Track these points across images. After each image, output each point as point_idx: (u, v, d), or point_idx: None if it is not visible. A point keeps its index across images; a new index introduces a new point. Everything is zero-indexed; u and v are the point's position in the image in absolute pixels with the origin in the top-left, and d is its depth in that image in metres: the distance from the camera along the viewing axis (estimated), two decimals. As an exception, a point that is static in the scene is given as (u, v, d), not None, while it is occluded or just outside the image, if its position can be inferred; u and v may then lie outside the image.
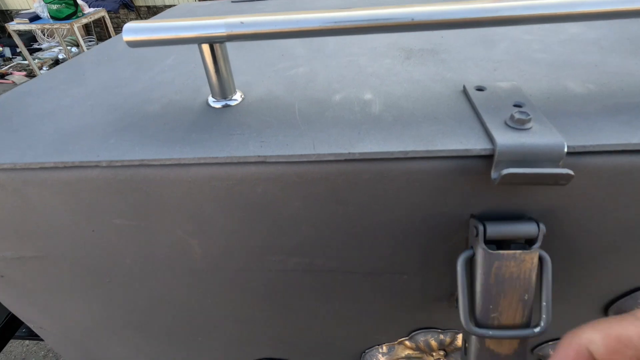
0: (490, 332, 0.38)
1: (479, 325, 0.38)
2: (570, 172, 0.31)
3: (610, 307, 0.46)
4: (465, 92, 0.41)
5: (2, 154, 0.38)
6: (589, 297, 0.46)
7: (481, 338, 0.38)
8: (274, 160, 0.35)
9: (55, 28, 5.89)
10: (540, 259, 0.37)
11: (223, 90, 0.42)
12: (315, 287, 0.46)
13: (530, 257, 0.37)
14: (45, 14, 5.64)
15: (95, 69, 0.56)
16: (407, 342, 0.54)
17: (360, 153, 0.34)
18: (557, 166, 0.32)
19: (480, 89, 0.40)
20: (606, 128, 0.34)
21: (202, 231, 0.41)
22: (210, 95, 0.44)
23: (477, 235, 0.36)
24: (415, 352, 0.55)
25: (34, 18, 5.78)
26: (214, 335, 0.54)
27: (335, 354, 0.57)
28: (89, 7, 6.19)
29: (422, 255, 0.42)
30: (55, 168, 0.37)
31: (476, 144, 0.34)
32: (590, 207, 0.36)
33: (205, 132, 0.38)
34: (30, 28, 6.08)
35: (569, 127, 0.35)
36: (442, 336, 0.52)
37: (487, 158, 0.34)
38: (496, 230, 0.35)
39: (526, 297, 0.38)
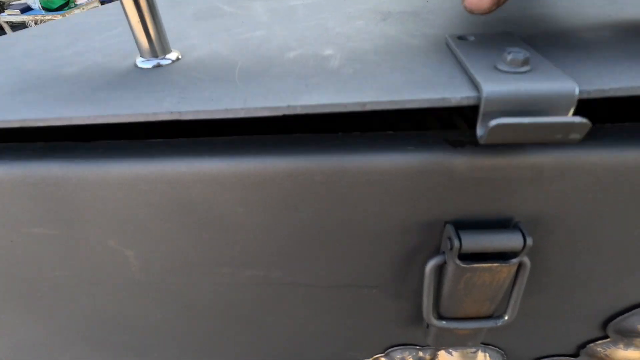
0: (453, 325, 0.37)
1: (441, 318, 0.37)
2: (586, 120, 0.23)
3: (609, 324, 0.41)
4: (447, 43, 0.33)
5: None
6: (586, 312, 0.40)
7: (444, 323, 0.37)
8: (190, 117, 0.28)
9: (48, 19, 5.78)
10: (520, 264, 0.32)
11: (153, 48, 0.35)
12: (274, 303, 0.41)
13: (509, 269, 0.31)
14: (36, 4, 5.53)
15: (31, 40, 0.49)
16: (382, 359, 0.49)
17: (302, 106, 0.26)
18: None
19: (463, 37, 0.33)
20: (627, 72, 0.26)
21: (137, 241, 0.35)
22: (139, 55, 0.36)
23: (451, 248, 0.30)
24: (392, 369, 0.50)
25: (26, 9, 5.67)
26: (162, 352, 0.49)
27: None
28: (82, -3, 6.07)
29: (393, 266, 0.36)
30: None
31: (455, 92, 0.26)
32: (590, 212, 0.31)
33: (116, 91, 0.31)
34: (22, 20, 5.97)
35: (580, 71, 0.27)
36: (420, 353, 0.47)
37: (463, 147, 0.28)
38: (473, 242, 0.30)
39: (495, 298, 0.33)
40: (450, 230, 0.31)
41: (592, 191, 0.29)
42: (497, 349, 0.46)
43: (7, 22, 5.68)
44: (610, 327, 0.41)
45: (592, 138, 0.28)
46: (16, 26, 6.20)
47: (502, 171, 0.28)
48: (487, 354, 0.46)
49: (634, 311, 0.38)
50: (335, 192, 0.30)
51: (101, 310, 0.43)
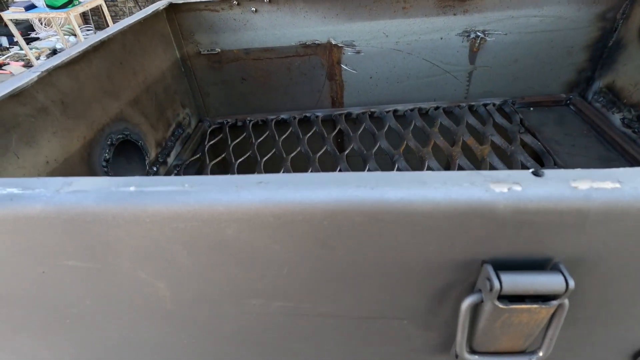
0: (488, 359, 0.36)
1: (474, 352, 0.37)
2: None
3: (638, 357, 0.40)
4: None
5: None
6: (617, 343, 0.40)
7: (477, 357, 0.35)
8: None
9: (52, 17, 5.79)
10: (559, 307, 0.31)
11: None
12: (303, 331, 0.41)
13: (547, 311, 0.31)
14: (40, 2, 5.53)
15: None
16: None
17: None
18: None
19: None
20: None
21: (169, 273, 0.35)
22: None
23: (490, 289, 0.30)
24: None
25: (30, 7, 5.67)
26: None
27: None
28: (86, -5, 6.07)
29: (425, 300, 0.36)
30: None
31: None
32: (630, 254, 0.30)
33: None
34: (26, 17, 5.97)
35: None
36: (446, 379, 0.47)
37: (507, 190, 0.28)
38: (514, 285, 0.29)
39: (531, 335, 0.33)
40: (489, 271, 0.30)
41: (635, 234, 0.29)
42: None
43: (11, 20, 5.69)
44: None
45: (633, 181, 0.27)
46: (20, 23, 6.21)
47: (546, 216, 0.28)
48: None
49: (667, 345, 0.38)
50: (373, 232, 0.30)
51: (130, 338, 0.43)
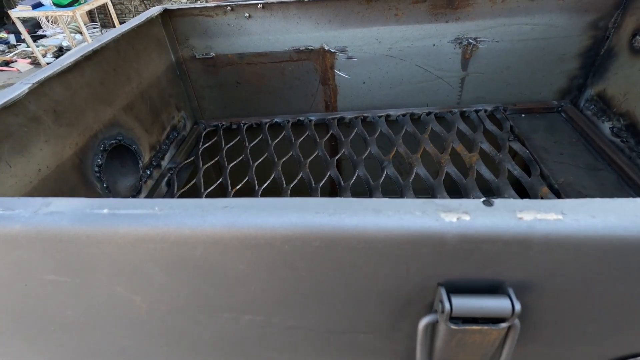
0: None
1: None
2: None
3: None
4: None
5: None
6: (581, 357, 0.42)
7: None
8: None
9: (58, 15, 5.82)
10: (510, 328, 0.33)
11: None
12: (275, 343, 0.42)
13: (498, 332, 0.32)
14: (48, 0, 5.57)
15: None
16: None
17: None
18: None
19: None
20: None
21: (144, 288, 0.37)
22: None
23: (442, 311, 0.31)
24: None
25: (37, 5, 5.70)
26: None
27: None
28: (91, -9, 6.09)
29: (387, 317, 0.38)
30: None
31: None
32: (575, 279, 0.32)
33: None
34: (33, 15, 6.01)
35: None
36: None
37: (455, 220, 0.29)
38: (463, 306, 0.31)
39: (487, 353, 0.35)
40: (442, 293, 0.32)
41: (577, 262, 0.30)
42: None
43: (18, 18, 5.73)
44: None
45: (575, 213, 0.29)
46: (27, 21, 6.24)
47: (493, 244, 0.29)
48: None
49: (625, 362, 0.40)
50: (331, 256, 0.32)
51: (110, 346, 0.45)
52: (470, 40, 1.07)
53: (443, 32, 1.06)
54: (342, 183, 0.95)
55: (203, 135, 1.22)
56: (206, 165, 1.08)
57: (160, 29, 1.05)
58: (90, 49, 0.75)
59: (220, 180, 1.03)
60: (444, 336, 0.33)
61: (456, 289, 0.32)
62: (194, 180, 1.03)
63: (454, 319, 0.32)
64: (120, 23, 6.48)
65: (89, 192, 0.78)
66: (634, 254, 0.29)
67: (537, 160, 0.96)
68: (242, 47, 1.12)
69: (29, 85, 0.60)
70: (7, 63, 6.28)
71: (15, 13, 5.88)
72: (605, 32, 1.02)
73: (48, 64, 6.17)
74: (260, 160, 1.07)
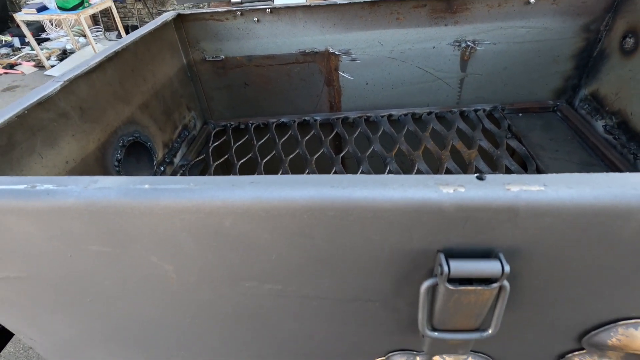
0: (445, 335, 0.43)
1: (434, 329, 0.43)
2: None
3: (584, 338, 0.46)
4: None
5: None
6: (563, 326, 0.46)
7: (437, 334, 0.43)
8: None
9: (63, 18, 5.92)
10: (501, 288, 0.37)
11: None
12: (290, 311, 0.47)
13: (490, 292, 0.37)
14: (52, 4, 5.66)
15: None
16: (384, 362, 0.55)
17: None
18: None
19: None
20: None
21: (176, 258, 0.42)
22: None
23: (441, 273, 0.36)
24: (393, 371, 0.56)
25: (42, 8, 5.80)
26: (191, 353, 0.56)
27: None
28: (96, -4, 6.19)
29: (392, 284, 0.42)
30: (29, 198, 0.38)
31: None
32: (557, 245, 0.36)
33: None
34: (38, 18, 6.10)
35: None
36: (418, 358, 0.53)
37: (451, 191, 0.34)
38: (460, 269, 0.35)
39: (481, 314, 0.39)
40: (441, 258, 0.36)
41: (558, 228, 0.35)
42: (485, 356, 0.52)
43: (23, 21, 5.82)
44: (585, 340, 0.46)
45: (555, 185, 0.33)
46: (31, 24, 6.32)
47: (484, 212, 0.34)
48: (477, 360, 0.52)
49: (604, 327, 0.44)
50: (344, 224, 0.36)
51: (141, 314, 0.49)
52: (469, 43, 1.12)
53: (442, 35, 1.11)
54: (347, 178, 1.00)
55: (212, 134, 1.27)
56: (216, 163, 1.13)
57: (173, 32, 1.11)
58: (112, 50, 0.80)
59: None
60: (443, 297, 0.38)
61: (453, 254, 0.37)
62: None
63: (451, 280, 0.36)
64: (124, 26, 6.57)
65: (110, 184, 0.82)
66: (606, 220, 0.33)
67: (533, 156, 1.01)
68: (250, 50, 1.17)
69: (61, 82, 0.65)
70: (11, 66, 6.35)
71: (20, 17, 5.97)
72: (597, 35, 1.07)
73: (52, 66, 6.26)
74: (267, 158, 1.12)
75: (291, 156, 1.11)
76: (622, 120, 0.99)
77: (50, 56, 6.69)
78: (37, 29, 7.15)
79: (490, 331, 0.41)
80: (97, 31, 7.83)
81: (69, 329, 0.55)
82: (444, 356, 0.51)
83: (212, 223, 0.38)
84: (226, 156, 1.16)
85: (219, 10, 1.09)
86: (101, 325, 0.53)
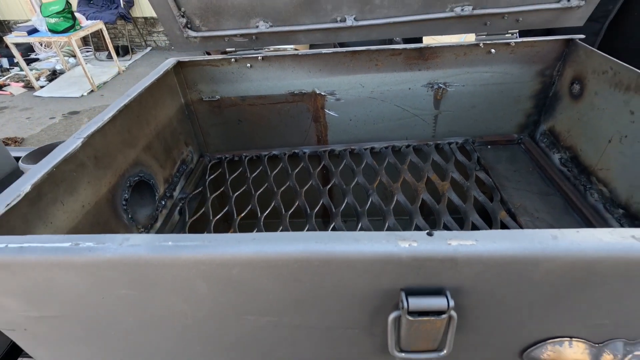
0: (410, 355, 0.53)
1: (402, 351, 0.53)
2: None
3: (524, 354, 0.57)
4: None
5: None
6: (506, 345, 0.57)
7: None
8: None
9: (53, 41, 5.98)
10: (450, 318, 0.48)
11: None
12: (285, 338, 0.57)
13: (441, 321, 0.47)
14: (43, 27, 5.73)
15: None
16: (364, 379, 0.64)
17: None
18: None
19: None
20: None
21: (191, 299, 0.51)
22: None
23: (402, 308, 0.46)
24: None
25: (32, 31, 5.86)
26: None
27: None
28: (87, 19, 6.28)
29: (367, 315, 0.53)
30: (73, 254, 0.47)
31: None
32: (489, 284, 0.47)
33: None
34: (28, 41, 6.15)
35: None
36: (392, 375, 0.62)
37: (408, 245, 0.45)
38: (416, 304, 0.46)
39: (438, 337, 0.50)
40: (402, 296, 0.47)
41: (488, 272, 0.46)
42: (447, 371, 0.62)
43: (13, 43, 5.87)
44: (525, 356, 0.56)
45: (484, 240, 0.44)
46: (20, 44, 6.35)
47: (432, 261, 0.45)
48: (441, 375, 0.62)
49: (537, 345, 0.54)
50: (326, 271, 0.47)
51: (157, 345, 0.58)
52: (440, 85, 1.25)
53: (416, 78, 1.24)
54: (334, 209, 1.11)
55: (209, 167, 1.37)
56: (213, 195, 1.22)
57: (173, 77, 1.21)
58: (122, 104, 0.90)
59: (227, 209, 1.17)
60: (405, 326, 0.48)
61: (413, 292, 0.47)
62: (203, 209, 1.17)
63: (411, 312, 0.47)
64: (114, 47, 6.66)
65: (118, 222, 0.91)
66: (521, 266, 0.44)
67: (498, 187, 1.13)
68: (244, 91, 1.28)
69: (82, 139, 0.75)
70: (0, 87, 6.34)
71: (11, 39, 6.00)
72: (551, 79, 1.22)
73: (42, 87, 6.28)
74: (261, 189, 1.22)
75: (282, 188, 1.21)
76: (574, 155, 1.12)
77: (39, 77, 6.71)
78: (26, 50, 7.18)
79: (445, 351, 0.51)
80: (87, 51, 7.89)
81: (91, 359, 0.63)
82: (413, 373, 0.61)
83: (222, 271, 0.48)
84: (222, 188, 1.26)
85: (215, 57, 1.21)
86: (119, 356, 0.61)
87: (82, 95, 6.15)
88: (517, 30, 1.15)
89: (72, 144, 0.73)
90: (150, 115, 1.08)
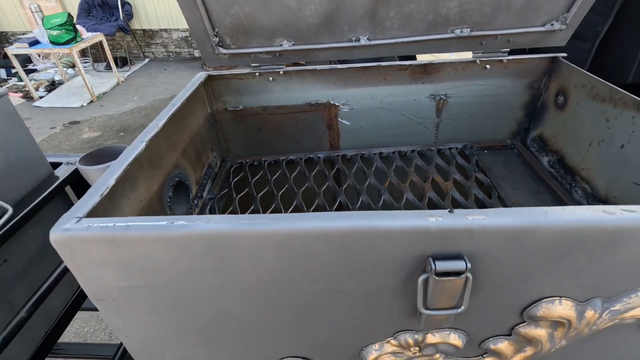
0: (434, 312, 0.65)
1: (428, 308, 0.65)
2: None
3: (524, 312, 0.70)
4: None
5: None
6: (510, 305, 0.70)
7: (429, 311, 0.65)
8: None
9: (54, 52, 6.07)
10: (467, 279, 0.61)
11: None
12: (331, 303, 0.69)
13: (461, 280, 0.61)
14: (45, 39, 5.82)
15: None
16: (392, 341, 0.77)
17: None
18: None
19: None
20: None
21: (259, 267, 0.64)
22: None
23: (430, 270, 0.59)
24: (398, 348, 0.78)
25: (34, 43, 5.95)
26: (261, 339, 0.76)
27: (342, 351, 0.80)
28: (87, 31, 6.40)
29: (400, 280, 0.65)
30: (169, 230, 0.59)
31: None
32: (498, 251, 0.61)
33: None
34: (30, 52, 6.22)
35: None
36: (416, 335, 0.75)
37: (435, 220, 0.58)
38: (442, 267, 0.59)
39: (457, 295, 0.63)
40: (430, 261, 0.60)
41: (496, 241, 0.59)
42: (461, 331, 0.74)
43: (14, 55, 5.95)
44: (525, 314, 0.70)
45: (493, 216, 0.58)
46: (18, 55, 6.40)
47: (454, 231, 0.58)
48: (457, 335, 0.74)
49: (534, 304, 0.68)
50: (369, 242, 0.60)
51: (224, 311, 0.70)
52: (442, 96, 1.41)
53: (421, 90, 1.40)
54: (350, 206, 1.24)
55: (232, 170, 1.49)
56: (239, 195, 1.35)
57: (202, 89, 1.35)
58: (171, 112, 1.03)
59: (253, 207, 1.29)
60: (432, 285, 0.61)
61: (438, 258, 0.60)
62: (230, 208, 1.29)
63: (437, 274, 0.60)
64: (113, 57, 6.77)
65: (164, 217, 1.03)
66: (521, 235, 0.58)
67: (495, 186, 1.28)
68: (265, 102, 1.42)
69: (144, 143, 0.87)
70: None
71: (12, 50, 6.07)
72: (539, 91, 1.38)
73: (41, 97, 6.33)
74: (282, 190, 1.35)
75: (302, 188, 1.34)
76: (560, 157, 1.28)
77: (38, 87, 6.77)
78: (24, 60, 7.25)
79: (462, 308, 0.65)
80: (85, 62, 7.97)
81: (160, 327, 0.75)
82: (434, 332, 0.74)
83: (287, 243, 0.60)
84: (246, 190, 1.38)
85: (241, 72, 1.35)
86: (187, 322, 0.73)
87: (82, 106, 6.23)
88: (508, 49, 1.31)
89: (137, 147, 0.86)
90: (186, 123, 1.20)
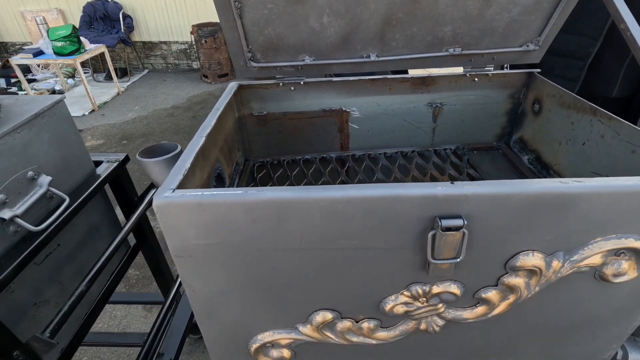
0: (440, 261, 0.85)
1: (435, 258, 0.85)
2: None
3: (506, 263, 0.92)
4: None
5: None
6: (496, 258, 0.92)
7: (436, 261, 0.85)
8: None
9: (58, 63, 6.23)
10: (464, 233, 0.83)
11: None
12: (360, 259, 0.90)
13: (460, 234, 0.82)
14: (49, 50, 5.99)
15: None
16: (405, 292, 0.98)
17: None
18: None
19: None
20: None
21: (307, 227, 0.85)
22: None
23: (437, 226, 0.81)
24: (410, 299, 0.99)
25: (38, 53, 6.11)
26: (301, 293, 0.96)
27: (365, 302, 1.00)
28: (90, 43, 6.58)
29: (414, 236, 0.87)
30: (244, 197, 0.80)
31: None
32: (487, 213, 0.83)
33: None
34: (34, 62, 6.36)
35: None
36: (425, 287, 0.96)
37: (441, 188, 0.80)
38: (446, 223, 0.81)
39: (457, 247, 0.84)
40: (437, 219, 0.82)
41: (485, 204, 0.81)
42: (459, 282, 0.96)
43: (17, 65, 6.08)
44: (507, 266, 0.91)
45: (483, 185, 0.80)
46: (20, 65, 6.53)
47: (455, 196, 0.80)
48: (456, 285, 0.95)
49: (513, 256, 0.90)
50: (393, 206, 0.81)
51: (278, 265, 0.90)
52: (437, 104, 1.65)
53: (419, 99, 1.64)
54: (362, 196, 1.46)
55: (255, 168, 1.70)
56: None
57: (232, 97, 1.56)
58: (217, 115, 1.24)
59: (278, 197, 1.50)
60: (438, 239, 0.83)
61: (443, 217, 0.82)
62: (258, 198, 1.49)
63: (442, 229, 0.81)
64: (114, 68, 6.95)
65: (210, 201, 1.23)
66: (502, 199, 0.80)
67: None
68: (286, 108, 1.64)
69: (204, 138, 1.08)
70: None
71: (17, 60, 6.20)
72: (519, 100, 1.63)
73: (41, 108, 6.42)
74: (302, 184, 1.56)
75: (319, 183, 1.56)
76: (537, 155, 1.52)
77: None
78: (24, 70, 7.37)
79: (460, 257, 0.86)
80: (85, 72, 8.13)
81: (225, 282, 0.94)
82: (439, 284, 0.95)
83: (332, 207, 0.81)
84: (269, 184, 1.59)
85: (267, 82, 1.57)
86: (246, 277, 0.93)
87: (84, 115, 6.36)
88: (492, 65, 1.56)
89: (199, 141, 1.07)
90: (222, 124, 1.41)
